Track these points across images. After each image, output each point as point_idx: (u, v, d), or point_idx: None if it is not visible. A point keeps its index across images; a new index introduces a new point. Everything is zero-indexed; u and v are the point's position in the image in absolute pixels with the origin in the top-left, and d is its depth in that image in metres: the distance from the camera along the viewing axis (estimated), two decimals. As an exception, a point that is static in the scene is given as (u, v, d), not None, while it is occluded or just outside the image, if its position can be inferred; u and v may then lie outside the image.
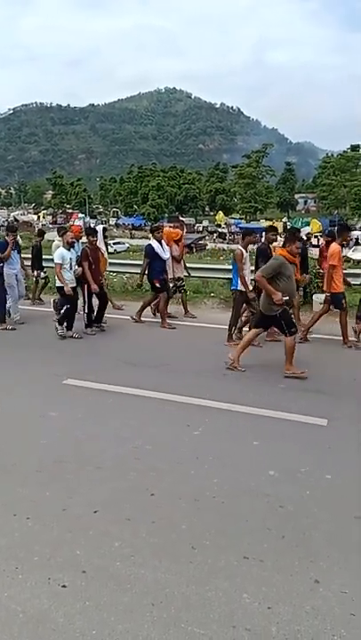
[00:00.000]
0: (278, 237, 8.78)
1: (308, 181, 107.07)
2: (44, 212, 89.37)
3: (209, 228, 59.01)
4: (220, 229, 56.78)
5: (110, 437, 4.21)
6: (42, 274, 10.21)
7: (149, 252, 8.45)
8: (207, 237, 48.42)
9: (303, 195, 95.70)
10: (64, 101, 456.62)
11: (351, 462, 3.80)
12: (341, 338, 7.15)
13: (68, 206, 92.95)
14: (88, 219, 70.79)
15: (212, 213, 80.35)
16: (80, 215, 72.14)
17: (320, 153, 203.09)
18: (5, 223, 30.70)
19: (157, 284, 8.40)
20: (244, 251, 7.31)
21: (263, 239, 7.89)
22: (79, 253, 8.04)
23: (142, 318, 8.67)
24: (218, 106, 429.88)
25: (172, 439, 4.19)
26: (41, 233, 11.25)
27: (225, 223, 60.03)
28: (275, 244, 8.09)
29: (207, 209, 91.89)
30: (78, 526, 2.96)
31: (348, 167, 72.01)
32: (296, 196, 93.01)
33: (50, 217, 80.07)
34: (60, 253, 7.71)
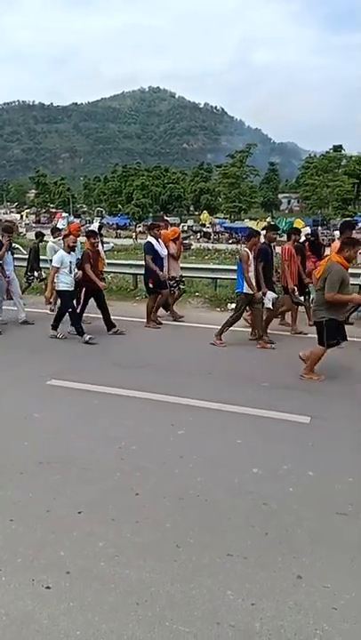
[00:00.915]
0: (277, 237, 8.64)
1: (291, 181, 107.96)
2: (27, 210, 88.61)
3: (194, 228, 59.10)
4: (204, 229, 56.93)
5: (95, 438, 4.20)
6: (42, 274, 10.01)
7: (149, 249, 8.30)
8: (192, 237, 48.52)
9: (287, 195, 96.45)
10: (47, 100, 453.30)
11: (333, 459, 3.86)
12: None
13: (51, 205, 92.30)
14: (72, 218, 70.28)
15: (196, 213, 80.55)
16: (64, 214, 71.42)
17: (303, 153, 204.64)
18: None
19: (151, 285, 8.29)
20: (249, 252, 7.23)
21: (263, 238, 7.71)
22: (79, 256, 7.92)
23: (157, 319, 8.57)
24: (202, 106, 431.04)
25: (157, 439, 4.19)
26: (39, 234, 11.06)
27: (210, 223, 60.16)
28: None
29: (192, 208, 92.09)
30: (62, 527, 2.96)
31: (330, 167, 72.73)
32: (280, 195, 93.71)
33: (33, 216, 79.40)
34: (59, 257, 7.49)
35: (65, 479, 3.51)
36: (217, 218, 68.14)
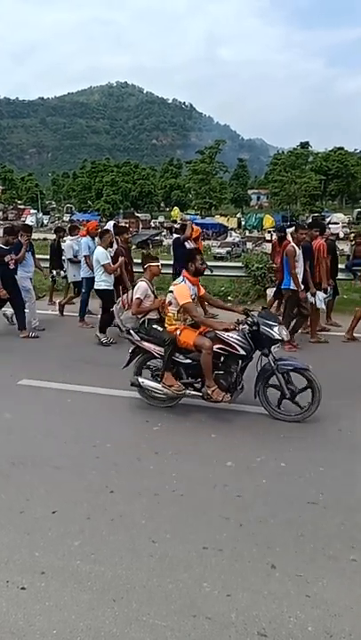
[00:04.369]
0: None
1: (260, 178, 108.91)
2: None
3: (165, 224, 59.02)
4: (175, 225, 56.92)
5: (69, 437, 4.17)
6: (62, 273, 9.64)
7: (178, 245, 8.19)
8: (163, 233, 48.42)
9: (256, 191, 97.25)
10: (12, 94, 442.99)
11: (304, 450, 3.94)
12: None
13: (19, 202, 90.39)
14: (41, 215, 69.15)
15: (167, 209, 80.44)
16: (32, 211, 70.35)
17: (271, 150, 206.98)
18: None
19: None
20: (296, 247, 6.73)
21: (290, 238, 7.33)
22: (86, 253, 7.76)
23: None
24: (170, 101, 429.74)
25: (132, 436, 4.19)
26: (59, 230, 10.57)
27: (181, 219, 60.17)
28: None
29: (162, 205, 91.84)
30: (36, 528, 2.93)
31: (298, 164, 73.83)
32: (249, 192, 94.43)
33: (0, 213, 77.59)
34: (104, 254, 7.05)
35: (38, 479, 3.47)
36: (188, 214, 68.21)
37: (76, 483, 3.43)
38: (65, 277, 9.55)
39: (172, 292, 4.71)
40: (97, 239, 7.68)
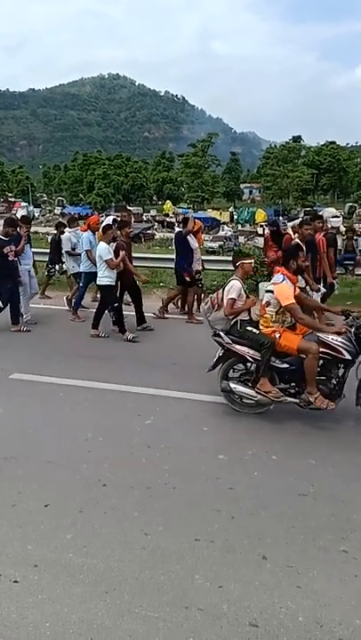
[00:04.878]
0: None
1: (252, 171, 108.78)
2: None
3: (157, 218, 58.82)
4: (168, 219, 56.76)
5: (61, 431, 4.16)
6: (63, 267, 9.54)
7: (181, 239, 8.02)
8: (155, 227, 48.27)
9: (248, 185, 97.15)
10: (2, 86, 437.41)
11: (295, 443, 3.97)
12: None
13: (9, 194, 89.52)
14: (32, 207, 68.52)
15: (159, 203, 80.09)
16: (23, 204, 69.63)
17: (264, 143, 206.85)
18: None
19: (187, 278, 7.98)
20: (301, 243, 6.39)
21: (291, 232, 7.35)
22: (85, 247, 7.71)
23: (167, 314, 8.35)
24: (162, 94, 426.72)
25: (124, 429, 4.20)
26: (60, 225, 10.48)
27: (173, 212, 60.02)
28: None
29: (155, 198, 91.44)
30: (29, 521, 2.93)
31: (290, 158, 73.83)
32: (241, 185, 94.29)
33: (-10, 205, 76.82)
34: (106, 249, 6.95)
35: (31, 473, 3.47)
36: (180, 207, 68.00)
37: (68, 476, 3.43)
38: (64, 272, 9.50)
39: (271, 291, 4.42)
40: (97, 233, 7.67)
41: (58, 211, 69.74)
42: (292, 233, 7.72)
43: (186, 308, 8.34)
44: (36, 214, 63.87)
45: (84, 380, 5.29)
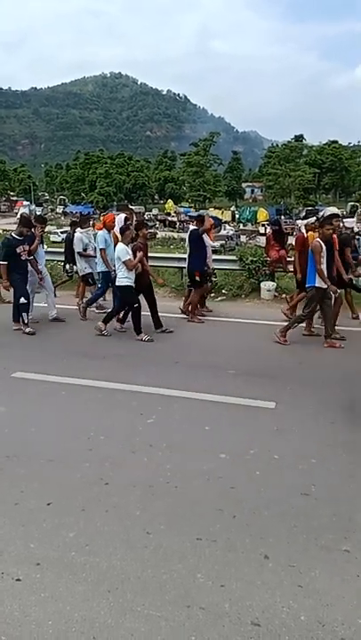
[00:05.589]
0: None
1: (254, 170, 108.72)
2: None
3: (159, 217, 58.82)
4: (169, 218, 56.77)
5: (63, 430, 4.17)
6: (74, 267, 9.46)
7: (196, 237, 7.96)
8: (157, 226, 48.28)
9: (250, 184, 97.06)
10: (4, 84, 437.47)
11: (297, 442, 3.97)
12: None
13: (11, 193, 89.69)
14: (34, 206, 68.49)
15: (161, 202, 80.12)
16: (25, 203, 69.58)
17: (266, 142, 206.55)
18: None
19: (198, 278, 7.94)
20: (322, 243, 6.55)
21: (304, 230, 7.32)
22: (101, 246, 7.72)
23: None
24: (165, 93, 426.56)
25: (126, 428, 4.20)
26: (74, 224, 10.48)
27: (174, 212, 60.03)
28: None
29: (156, 197, 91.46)
30: (31, 519, 2.94)
31: (292, 157, 73.72)
32: (243, 184, 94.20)
33: (-8, 204, 76.92)
34: (124, 250, 6.89)
35: (33, 472, 3.47)
36: (182, 207, 68.02)
37: (70, 475, 3.44)
38: (76, 272, 9.44)
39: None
40: (113, 231, 7.69)
41: (60, 210, 69.79)
42: (305, 232, 7.68)
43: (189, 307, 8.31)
44: (38, 213, 63.97)
45: (86, 378, 5.30)
